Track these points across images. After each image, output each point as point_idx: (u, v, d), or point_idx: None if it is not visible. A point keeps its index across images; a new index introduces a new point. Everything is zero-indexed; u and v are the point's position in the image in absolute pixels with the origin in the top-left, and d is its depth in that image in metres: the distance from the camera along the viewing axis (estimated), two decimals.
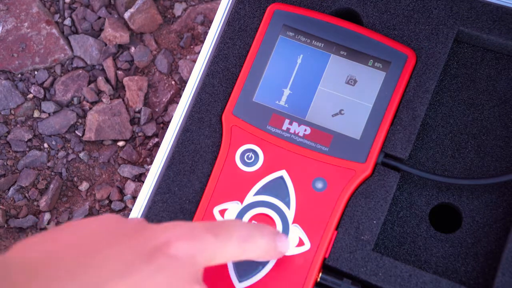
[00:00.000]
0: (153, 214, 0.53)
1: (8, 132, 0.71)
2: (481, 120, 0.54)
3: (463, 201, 0.53)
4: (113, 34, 0.72)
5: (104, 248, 0.38)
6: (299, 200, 0.51)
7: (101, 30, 0.73)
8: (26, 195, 0.69)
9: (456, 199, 0.53)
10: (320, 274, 0.50)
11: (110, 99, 0.71)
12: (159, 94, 0.71)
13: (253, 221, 0.51)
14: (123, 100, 0.71)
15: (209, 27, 0.72)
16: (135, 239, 0.39)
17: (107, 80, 0.72)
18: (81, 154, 0.70)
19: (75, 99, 0.71)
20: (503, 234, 0.52)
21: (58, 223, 0.69)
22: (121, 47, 0.73)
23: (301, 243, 0.51)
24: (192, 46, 0.72)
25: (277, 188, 0.52)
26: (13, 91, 0.71)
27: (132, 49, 0.72)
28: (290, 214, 0.51)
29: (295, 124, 0.53)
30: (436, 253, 0.52)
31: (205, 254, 0.41)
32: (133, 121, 0.71)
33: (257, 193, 0.52)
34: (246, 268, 0.50)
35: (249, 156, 0.53)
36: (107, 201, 0.69)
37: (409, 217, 0.53)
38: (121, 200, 0.69)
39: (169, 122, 0.70)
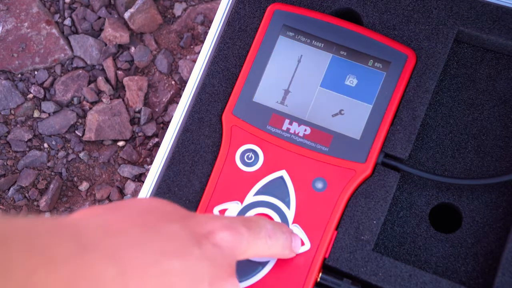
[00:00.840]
0: None
1: (8, 132, 0.71)
2: (481, 120, 0.54)
3: (463, 201, 0.53)
4: (113, 34, 0.72)
5: (162, 227, 0.40)
6: (299, 200, 0.51)
7: (101, 30, 0.73)
8: (26, 195, 0.69)
9: (456, 199, 0.53)
10: (320, 274, 0.50)
11: (110, 99, 0.71)
12: (159, 94, 0.71)
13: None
14: (123, 100, 0.71)
15: (209, 27, 0.72)
16: (186, 224, 0.41)
17: (107, 80, 0.72)
18: (81, 154, 0.70)
19: (75, 99, 0.71)
20: (503, 234, 0.52)
21: None
22: (121, 47, 0.73)
23: (301, 243, 0.51)
24: (192, 46, 0.72)
25: (277, 188, 0.52)
26: (13, 91, 0.72)
27: (132, 49, 0.72)
28: (290, 214, 0.51)
29: (295, 124, 0.53)
30: (436, 253, 0.52)
31: (241, 246, 0.43)
32: (133, 121, 0.71)
33: (257, 193, 0.52)
34: (246, 268, 0.50)
35: (249, 156, 0.53)
36: (107, 201, 0.69)
37: (409, 217, 0.53)
38: (121, 200, 0.69)
39: (169, 122, 0.70)
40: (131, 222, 0.39)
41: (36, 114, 0.71)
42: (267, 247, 0.45)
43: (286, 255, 0.49)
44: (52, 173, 0.70)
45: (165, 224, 0.40)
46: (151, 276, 0.37)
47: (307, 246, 0.50)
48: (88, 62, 0.72)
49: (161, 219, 0.40)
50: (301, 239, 0.51)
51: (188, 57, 0.72)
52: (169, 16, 0.74)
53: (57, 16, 0.74)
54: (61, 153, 0.70)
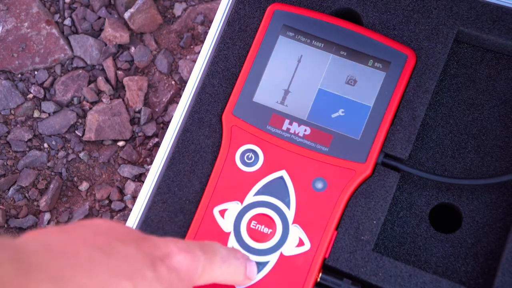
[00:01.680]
0: (153, 214, 0.53)
1: (8, 132, 0.71)
2: (481, 120, 0.54)
3: (463, 201, 0.53)
4: (113, 34, 0.72)
5: (114, 248, 0.38)
6: (299, 200, 0.51)
7: (101, 30, 0.73)
8: (26, 195, 0.69)
9: (456, 199, 0.53)
10: (320, 274, 0.50)
11: (110, 99, 0.71)
12: (159, 94, 0.71)
13: (252, 222, 0.51)
14: (123, 100, 0.71)
15: (209, 27, 0.72)
16: (141, 246, 0.40)
17: (107, 80, 0.72)
18: (81, 154, 0.70)
19: (75, 99, 0.71)
20: (503, 234, 0.52)
21: (58, 223, 0.69)
22: (121, 47, 0.73)
23: (301, 243, 0.51)
24: (192, 46, 0.72)
25: (277, 188, 0.52)
26: (13, 91, 0.72)
27: (132, 49, 0.72)
28: (290, 214, 0.51)
29: (295, 124, 0.53)
30: (436, 253, 0.52)
31: (198, 270, 0.42)
32: (133, 121, 0.71)
33: (257, 193, 0.52)
34: None
35: (249, 156, 0.53)
36: (107, 201, 0.69)
37: (409, 217, 0.53)
38: (121, 200, 0.69)
39: (169, 122, 0.70)
40: (80, 243, 0.37)
41: (36, 114, 0.71)
42: (221, 272, 0.45)
43: (240, 282, 0.48)
44: (52, 173, 0.70)
45: (118, 245, 0.39)
46: None
47: (307, 246, 0.50)
48: (88, 62, 0.72)
49: (114, 241, 0.39)
50: (300, 238, 0.50)
51: (188, 57, 0.72)
52: (169, 16, 0.74)
53: (57, 16, 0.74)
54: (61, 153, 0.70)
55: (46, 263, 0.34)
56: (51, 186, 0.69)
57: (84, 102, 0.71)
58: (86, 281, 0.35)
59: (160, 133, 0.70)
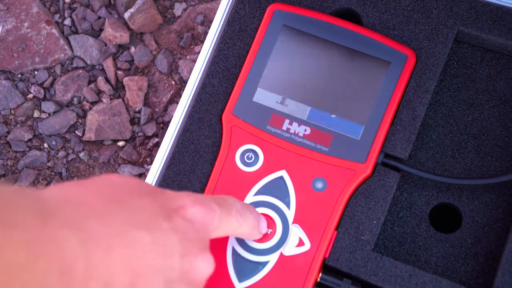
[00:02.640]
0: None
1: (8, 132, 0.71)
2: (481, 120, 0.54)
3: (463, 201, 0.53)
4: (113, 34, 0.72)
5: (130, 200, 0.39)
6: (299, 200, 0.51)
7: (101, 30, 0.73)
8: None
9: (456, 199, 0.53)
10: (320, 274, 0.50)
11: (110, 99, 0.71)
12: (159, 94, 0.71)
13: None
14: (123, 100, 0.71)
15: (209, 27, 0.72)
16: (155, 199, 0.40)
17: (107, 80, 0.72)
18: (81, 154, 0.70)
19: (75, 99, 0.71)
20: (503, 234, 0.52)
21: None
22: (121, 47, 0.73)
23: (301, 243, 0.51)
24: (192, 46, 0.72)
25: (277, 188, 0.52)
26: (13, 91, 0.72)
27: (132, 49, 0.72)
28: (290, 214, 0.51)
29: (295, 124, 0.53)
30: (436, 253, 0.52)
31: (213, 222, 0.42)
32: (133, 121, 0.71)
33: (257, 193, 0.52)
34: (246, 268, 0.50)
35: (249, 156, 0.53)
36: None
37: (409, 217, 0.53)
38: None
39: (169, 122, 0.70)
40: (96, 195, 0.38)
41: (36, 114, 0.71)
42: (238, 225, 0.45)
43: (254, 235, 0.48)
44: (52, 173, 0.70)
45: (133, 198, 0.39)
46: (117, 246, 0.36)
47: (307, 246, 0.50)
48: (88, 62, 0.72)
49: (129, 194, 0.39)
50: (300, 238, 0.51)
51: (188, 57, 0.72)
52: (169, 16, 0.74)
53: (57, 16, 0.74)
54: (61, 153, 0.70)
55: (64, 212, 0.35)
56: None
57: (84, 102, 0.71)
58: (102, 229, 0.35)
59: (160, 133, 0.70)
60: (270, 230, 0.51)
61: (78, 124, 0.71)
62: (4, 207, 0.32)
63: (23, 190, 0.35)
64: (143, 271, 0.37)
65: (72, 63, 0.72)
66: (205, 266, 0.41)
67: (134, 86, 0.71)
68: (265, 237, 0.51)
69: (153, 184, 0.54)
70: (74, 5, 0.74)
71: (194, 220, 0.41)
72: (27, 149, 0.70)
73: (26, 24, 0.73)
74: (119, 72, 0.72)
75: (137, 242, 0.37)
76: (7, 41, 0.73)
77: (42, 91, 0.72)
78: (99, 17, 0.73)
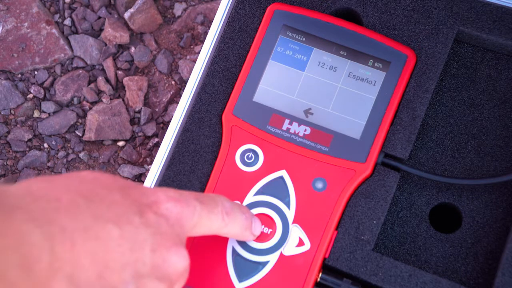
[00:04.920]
0: None
1: (8, 132, 0.71)
2: (481, 120, 0.54)
3: (463, 201, 0.53)
4: (113, 34, 0.72)
5: (100, 195, 0.38)
6: (299, 200, 0.51)
7: (101, 30, 0.73)
8: None
9: (456, 199, 0.53)
10: (320, 274, 0.50)
11: (110, 99, 0.71)
12: (159, 94, 0.71)
13: None
14: (123, 100, 0.71)
15: (209, 27, 0.72)
16: (128, 194, 0.39)
17: (107, 80, 0.72)
18: (81, 154, 0.70)
19: (75, 99, 0.71)
20: (503, 234, 0.52)
21: None
22: (121, 47, 0.73)
23: (301, 243, 0.51)
24: (192, 46, 0.72)
25: (277, 188, 0.52)
26: (13, 91, 0.72)
27: (132, 49, 0.72)
28: (290, 214, 0.51)
29: (295, 124, 0.53)
30: (436, 253, 0.52)
31: (191, 219, 0.42)
32: (133, 121, 0.71)
33: (257, 193, 0.52)
34: (246, 268, 0.50)
35: (249, 156, 0.53)
36: None
37: (409, 217, 0.53)
38: None
39: (169, 122, 0.70)
40: (63, 190, 0.37)
41: (36, 114, 0.71)
42: (224, 224, 0.44)
43: (246, 236, 0.48)
44: (52, 173, 0.70)
45: (103, 192, 0.38)
46: (83, 240, 0.35)
47: (307, 246, 0.50)
48: (88, 62, 0.72)
49: (100, 188, 0.38)
50: (300, 238, 0.51)
51: (188, 57, 0.72)
52: (169, 16, 0.74)
53: (57, 16, 0.74)
54: (61, 153, 0.70)
55: (28, 206, 0.34)
56: None
57: (84, 102, 0.71)
58: (68, 224, 0.35)
59: (160, 133, 0.70)
60: (270, 230, 0.51)
61: (78, 124, 0.71)
62: None
63: None
64: (110, 264, 0.36)
65: (72, 63, 0.72)
66: (178, 261, 0.40)
67: (134, 86, 0.71)
68: (265, 237, 0.51)
69: (153, 184, 0.54)
70: (74, 5, 0.74)
71: (168, 216, 0.40)
72: (27, 149, 0.70)
73: (26, 24, 0.73)
74: (119, 72, 0.72)
75: (105, 236, 0.36)
76: (7, 41, 0.73)
77: (42, 91, 0.72)
78: (99, 17, 0.73)
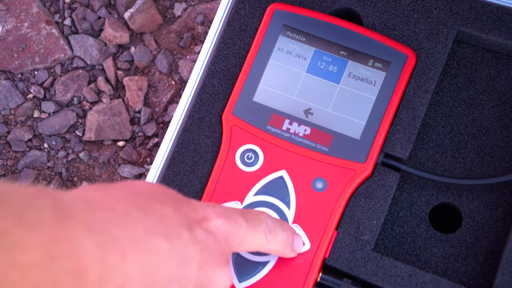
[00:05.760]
0: None
1: (8, 132, 0.71)
2: (481, 120, 0.54)
3: (463, 201, 0.53)
4: (113, 34, 0.72)
5: (152, 207, 0.38)
6: (299, 200, 0.51)
7: (101, 30, 0.73)
8: None
9: (456, 199, 0.53)
10: (320, 274, 0.50)
11: (110, 99, 0.71)
12: (159, 94, 0.71)
13: None
14: (123, 100, 0.71)
15: (209, 27, 0.72)
16: (178, 208, 0.40)
17: (107, 80, 0.72)
18: (81, 154, 0.70)
19: (75, 99, 0.71)
20: (503, 234, 0.52)
21: None
22: (121, 47, 0.73)
23: (302, 243, 0.51)
24: (192, 46, 0.72)
25: (277, 188, 0.52)
26: (13, 91, 0.72)
27: (132, 49, 0.72)
28: (290, 214, 0.51)
29: (295, 124, 0.53)
30: (436, 253, 0.52)
31: (237, 237, 0.42)
32: (133, 121, 0.71)
33: (257, 193, 0.52)
34: (246, 268, 0.50)
35: (249, 156, 0.53)
36: None
37: (409, 217, 0.53)
38: None
39: (169, 122, 0.70)
40: (118, 200, 0.37)
41: (36, 114, 0.71)
42: (266, 242, 0.44)
43: (287, 253, 0.48)
44: (52, 173, 0.70)
45: (155, 205, 0.39)
46: (134, 252, 0.35)
47: (307, 246, 0.50)
48: (88, 62, 0.72)
49: (152, 200, 0.39)
50: (303, 240, 0.50)
51: (188, 57, 0.72)
52: (169, 16, 0.74)
53: (57, 16, 0.74)
54: (61, 153, 0.70)
55: (82, 214, 0.34)
56: (51, 186, 0.69)
57: (84, 102, 0.71)
58: (121, 235, 0.35)
59: (160, 133, 0.70)
60: None
61: (78, 124, 0.71)
62: (22, 207, 0.32)
63: (44, 191, 0.35)
64: (157, 278, 0.37)
65: (72, 63, 0.72)
66: (222, 280, 0.40)
67: (134, 86, 0.71)
68: None
69: None
70: (74, 5, 0.74)
71: (216, 233, 0.40)
72: (27, 149, 0.70)
73: (26, 24, 0.73)
74: (119, 72, 0.72)
75: (155, 249, 0.37)
76: (7, 41, 0.73)
77: (42, 91, 0.72)
78: (99, 17, 0.73)
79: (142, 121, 0.70)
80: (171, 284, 0.37)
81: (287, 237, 0.46)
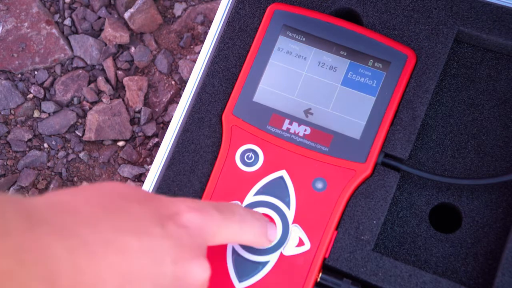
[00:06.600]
0: None
1: (8, 132, 0.71)
2: (481, 120, 0.54)
3: (463, 201, 0.53)
4: (113, 34, 0.72)
5: (120, 207, 0.38)
6: (299, 200, 0.51)
7: (101, 30, 0.73)
8: (26, 195, 0.69)
9: (456, 199, 0.53)
10: (320, 274, 0.50)
11: (110, 99, 0.71)
12: (159, 94, 0.71)
13: None
14: (123, 100, 0.71)
15: (209, 27, 0.72)
16: (148, 205, 0.39)
17: (107, 80, 0.72)
18: (81, 154, 0.70)
19: (75, 99, 0.71)
20: (503, 234, 0.52)
21: None
22: (121, 47, 0.73)
23: (301, 243, 0.51)
24: (192, 46, 0.72)
25: (277, 188, 0.52)
26: (13, 91, 0.72)
27: (132, 49, 0.72)
28: (290, 214, 0.51)
29: (295, 124, 0.53)
30: (436, 253, 0.52)
31: (211, 229, 0.42)
32: (133, 121, 0.71)
33: (257, 193, 0.52)
34: (246, 268, 0.50)
35: (249, 156, 0.53)
36: None
37: (409, 217, 0.53)
38: None
39: (169, 122, 0.70)
40: (84, 203, 0.37)
41: (36, 114, 0.71)
42: (241, 232, 0.44)
43: (262, 243, 0.48)
44: (52, 173, 0.70)
45: (124, 204, 0.38)
46: (105, 252, 0.35)
47: (307, 246, 0.50)
48: (88, 62, 0.72)
49: (120, 200, 0.39)
50: (300, 238, 0.50)
51: (188, 57, 0.72)
52: (169, 16, 0.74)
53: (57, 16, 0.74)
54: (61, 153, 0.70)
55: (49, 219, 0.34)
56: (51, 186, 0.69)
57: (84, 102, 0.71)
58: (90, 237, 0.35)
59: (160, 133, 0.70)
60: None
61: (78, 124, 0.71)
62: None
63: (11, 198, 0.35)
64: (132, 277, 0.36)
65: (72, 63, 0.72)
66: (200, 272, 0.40)
67: (134, 86, 0.71)
68: None
69: (153, 184, 0.54)
70: (74, 5, 0.74)
71: (190, 226, 0.40)
72: (27, 149, 0.70)
73: (26, 24, 0.73)
74: (119, 72, 0.72)
75: (126, 248, 0.36)
76: (7, 41, 0.73)
77: (42, 91, 0.72)
78: (99, 17, 0.73)
79: (142, 121, 0.70)
80: (147, 282, 0.37)
81: (260, 226, 0.46)
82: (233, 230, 0.44)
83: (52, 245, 0.33)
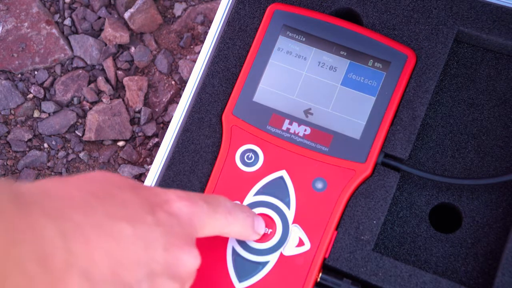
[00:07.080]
0: None
1: (8, 132, 0.71)
2: (481, 120, 0.54)
3: (463, 201, 0.53)
4: (113, 34, 0.72)
5: (112, 194, 0.38)
6: (299, 200, 0.51)
7: (101, 30, 0.73)
8: None
9: (456, 199, 0.53)
10: (320, 274, 0.50)
11: (110, 99, 0.71)
12: (159, 94, 0.71)
13: None
14: (123, 100, 0.71)
15: (209, 27, 0.72)
16: (139, 194, 0.40)
17: (107, 80, 0.72)
18: (81, 154, 0.70)
19: (75, 99, 0.71)
20: (503, 234, 0.52)
21: None
22: (121, 47, 0.73)
23: (301, 243, 0.51)
24: (192, 46, 0.72)
25: (277, 188, 0.52)
26: (13, 91, 0.72)
27: (132, 49, 0.72)
28: (290, 214, 0.51)
29: (295, 124, 0.53)
30: (436, 253, 0.52)
31: (200, 219, 0.42)
32: (133, 121, 0.71)
33: (257, 193, 0.52)
34: (246, 268, 0.50)
35: (249, 156, 0.53)
36: None
37: (409, 217, 0.53)
38: None
39: (169, 122, 0.70)
40: (76, 189, 0.37)
41: (36, 114, 0.71)
42: (227, 223, 0.45)
43: (249, 235, 0.48)
44: (52, 173, 0.70)
45: (114, 191, 0.39)
46: (97, 237, 0.35)
47: (307, 246, 0.50)
48: (88, 62, 0.72)
49: (110, 187, 0.39)
50: (300, 238, 0.51)
51: (188, 57, 0.72)
52: (169, 16, 0.74)
53: (57, 16, 0.74)
54: (61, 153, 0.70)
55: (43, 201, 0.34)
56: None
57: (84, 102, 0.71)
58: (82, 220, 0.35)
59: (160, 133, 0.70)
60: (270, 230, 0.51)
61: (78, 124, 0.71)
62: None
63: (3, 180, 0.35)
64: (124, 262, 0.37)
65: (72, 63, 0.72)
66: (190, 260, 0.40)
67: (134, 86, 0.71)
68: (265, 237, 0.51)
69: (153, 184, 0.54)
70: (74, 5, 0.74)
71: (180, 215, 0.41)
72: (27, 149, 0.70)
73: (26, 24, 0.73)
74: (119, 72, 0.72)
75: (118, 234, 0.37)
76: (7, 41, 0.73)
77: (42, 91, 0.72)
78: (99, 17, 0.73)
79: (142, 121, 0.70)
80: (139, 267, 0.38)
81: (246, 218, 0.47)
82: (220, 222, 0.44)
83: (45, 227, 0.33)
